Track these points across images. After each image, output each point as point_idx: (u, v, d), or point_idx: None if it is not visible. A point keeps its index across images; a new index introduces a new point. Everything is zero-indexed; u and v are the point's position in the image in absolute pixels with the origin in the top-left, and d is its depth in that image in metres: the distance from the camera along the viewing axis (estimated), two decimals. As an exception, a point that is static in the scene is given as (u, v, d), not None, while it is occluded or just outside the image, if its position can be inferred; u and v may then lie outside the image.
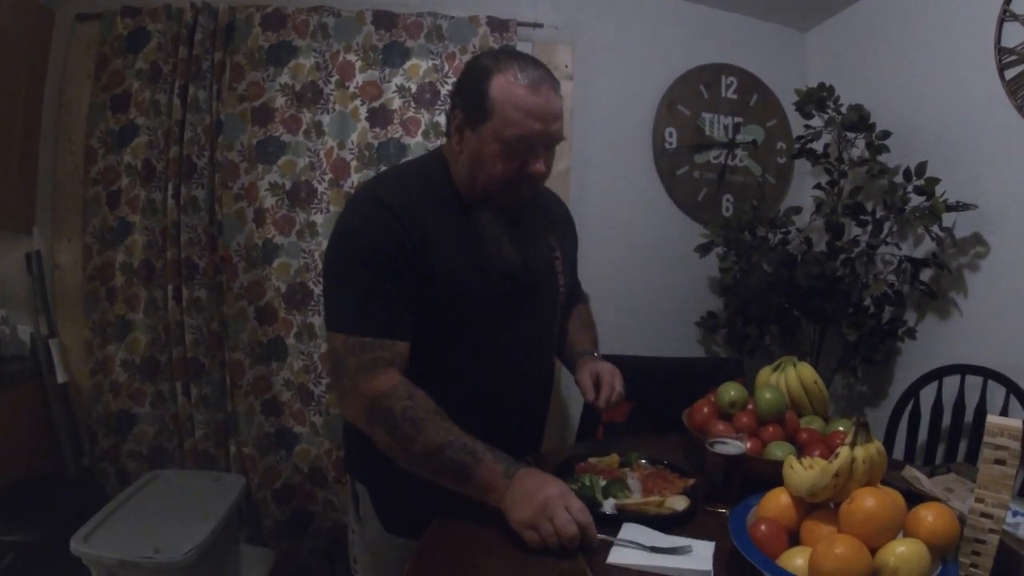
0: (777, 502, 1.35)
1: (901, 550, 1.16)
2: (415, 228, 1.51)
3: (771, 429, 1.72)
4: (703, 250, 2.93)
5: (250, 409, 2.93)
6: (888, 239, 2.72)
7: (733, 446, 1.53)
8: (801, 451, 1.67)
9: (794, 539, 1.31)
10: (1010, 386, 2.31)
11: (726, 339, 3.10)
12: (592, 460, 1.69)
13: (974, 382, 2.43)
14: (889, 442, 2.55)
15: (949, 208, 2.49)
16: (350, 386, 1.49)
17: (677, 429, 1.88)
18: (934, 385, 2.54)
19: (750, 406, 1.79)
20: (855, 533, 1.20)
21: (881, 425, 2.64)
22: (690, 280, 3.21)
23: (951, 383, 2.50)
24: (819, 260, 2.77)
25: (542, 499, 1.34)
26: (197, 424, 2.88)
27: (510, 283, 1.62)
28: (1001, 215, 2.49)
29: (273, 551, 2.81)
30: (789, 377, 1.88)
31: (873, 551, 1.17)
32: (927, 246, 2.72)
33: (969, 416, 2.45)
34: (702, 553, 1.36)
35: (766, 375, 1.92)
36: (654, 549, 1.34)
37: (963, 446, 2.49)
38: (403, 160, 2.78)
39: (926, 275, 2.68)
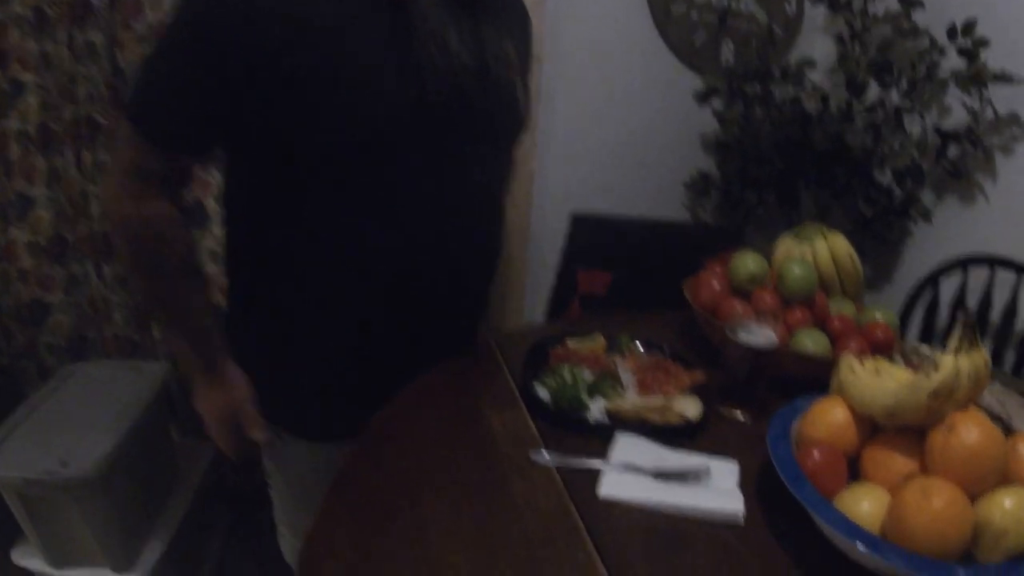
0: (830, 419, 0.99)
1: (1010, 505, 0.84)
2: (286, 5, 0.98)
3: (798, 313, 1.35)
4: (702, 97, 2.48)
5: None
6: (913, 107, 2.32)
7: (762, 335, 1.14)
8: (833, 342, 1.31)
9: (851, 469, 0.96)
10: None
11: (718, 205, 2.72)
12: (571, 343, 1.29)
13: (1006, 278, 2.09)
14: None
15: (995, 77, 2.10)
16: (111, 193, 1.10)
17: (668, 306, 1.54)
18: (955, 276, 2.21)
19: (771, 283, 1.41)
20: (950, 476, 0.85)
21: (889, 314, 2.30)
22: (680, 135, 2.77)
23: (978, 275, 2.16)
24: (838, 120, 2.36)
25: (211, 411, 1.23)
26: (115, 308, 2.51)
27: (454, 101, 1.08)
28: None
29: (211, 443, 2.43)
30: (819, 250, 1.49)
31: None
32: (954, 120, 2.34)
33: (996, 315, 2.12)
34: (724, 479, 1.00)
35: (788, 246, 1.53)
36: (659, 475, 0.97)
37: (987, 347, 2.18)
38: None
39: (952, 152, 2.30)
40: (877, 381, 0.97)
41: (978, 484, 0.85)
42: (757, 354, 1.14)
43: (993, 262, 2.12)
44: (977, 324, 0.90)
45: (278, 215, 1.11)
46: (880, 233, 2.42)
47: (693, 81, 2.63)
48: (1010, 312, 2.09)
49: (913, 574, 0.78)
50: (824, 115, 2.42)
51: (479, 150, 1.16)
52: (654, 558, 0.86)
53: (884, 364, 1.04)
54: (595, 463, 0.99)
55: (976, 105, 2.20)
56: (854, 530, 0.83)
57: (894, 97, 2.34)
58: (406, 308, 1.17)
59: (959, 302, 2.20)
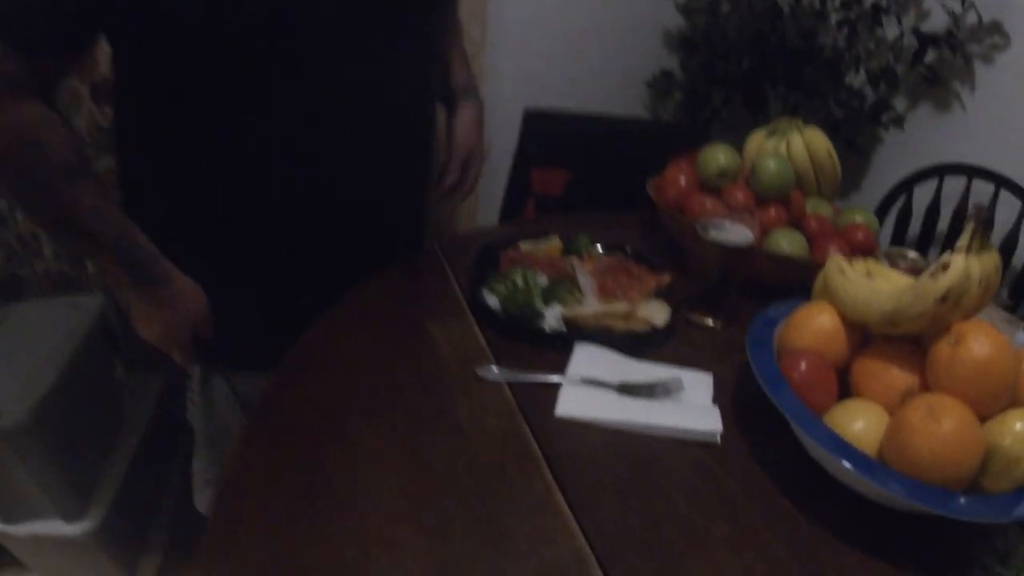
0: (817, 325, 0.87)
1: (1019, 427, 0.74)
2: None
3: (773, 211, 1.23)
4: (671, -11, 2.31)
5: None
6: (890, 7, 2.17)
7: (735, 233, 1.02)
8: (810, 244, 1.21)
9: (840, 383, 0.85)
10: None
11: (681, 104, 2.57)
12: (524, 246, 1.15)
13: (982, 189, 2.00)
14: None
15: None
16: None
17: (630, 207, 1.41)
18: (928, 186, 2.11)
19: (743, 179, 1.28)
20: (957, 393, 0.75)
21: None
22: (641, 29, 2.60)
23: (952, 186, 2.07)
24: (811, 16, 2.20)
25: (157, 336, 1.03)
26: (45, 243, 2.25)
27: None
28: None
29: (159, 375, 2.25)
30: (794, 145, 1.36)
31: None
32: (933, 23, 2.20)
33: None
34: (697, 393, 0.88)
35: (759, 140, 1.40)
36: (624, 389, 0.85)
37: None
38: None
39: (929, 57, 2.17)
40: (871, 285, 0.86)
41: (987, 404, 0.75)
42: (730, 254, 1.02)
43: (972, 172, 2.01)
44: (987, 223, 0.77)
45: (167, 114, 0.95)
46: (851, 138, 2.30)
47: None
48: (985, 224, 2.00)
49: (913, 503, 0.68)
50: (796, 10, 2.26)
51: (380, 27, 0.97)
52: (621, 486, 0.74)
53: (876, 266, 0.93)
54: (551, 378, 0.86)
55: (958, 8, 2.06)
56: (849, 452, 0.72)
57: (871, -6, 2.19)
58: (318, 214, 1.02)
59: (933, 211, 2.10)
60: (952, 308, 0.76)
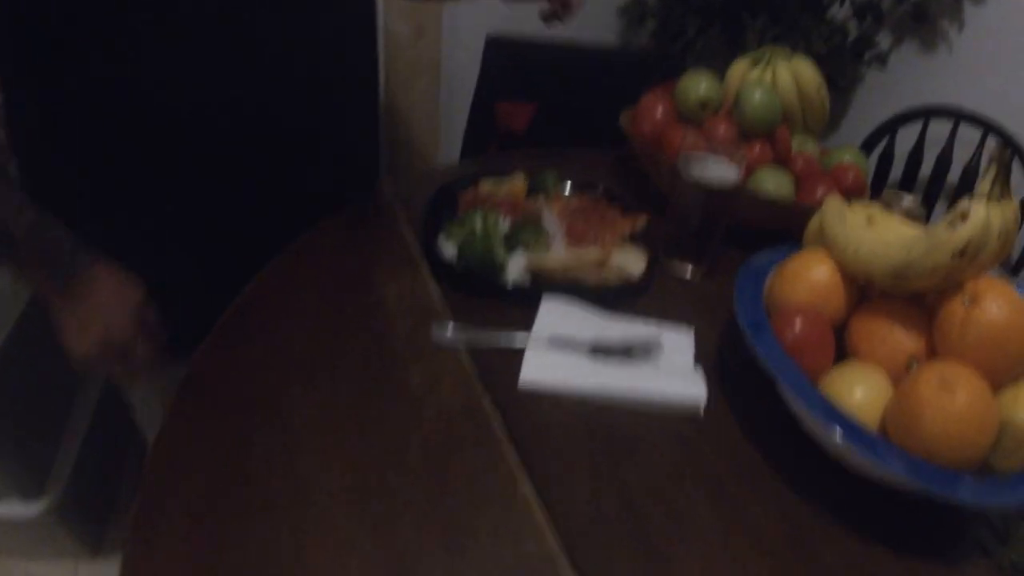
0: (814, 277, 0.77)
1: None
2: None
3: (758, 148, 1.13)
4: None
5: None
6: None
7: (720, 170, 0.91)
8: (796, 185, 1.11)
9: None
10: (1016, 148, 1.81)
11: (653, 33, 2.43)
12: (486, 185, 1.03)
13: (968, 135, 1.91)
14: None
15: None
16: None
17: (602, 142, 1.30)
18: (912, 128, 2.01)
19: (725, 111, 1.17)
20: (970, 360, 0.66)
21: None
22: (612, -50, 2.45)
23: (937, 130, 1.97)
24: (795, -60, 2.08)
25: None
26: None
27: None
28: None
29: None
30: (781, 76, 1.25)
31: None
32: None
33: (956, 174, 1.95)
34: (678, 353, 0.79)
35: (743, 69, 1.28)
36: (597, 351, 0.75)
37: (942, 207, 2.03)
38: None
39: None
40: (875, 233, 0.76)
41: (1002, 373, 0.67)
42: (714, 195, 0.91)
43: (959, 116, 1.91)
44: (1008, 168, 0.68)
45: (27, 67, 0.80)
46: (832, 76, 2.19)
47: None
48: (972, 172, 1.92)
49: (919, 485, 0.60)
50: (780, -68, 2.13)
51: None
52: (595, 466, 0.65)
53: (878, 212, 0.83)
54: (515, 338, 0.76)
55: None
56: (850, 427, 0.64)
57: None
58: (243, 162, 0.89)
59: (915, 155, 2.02)
60: (968, 263, 0.67)
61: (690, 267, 0.96)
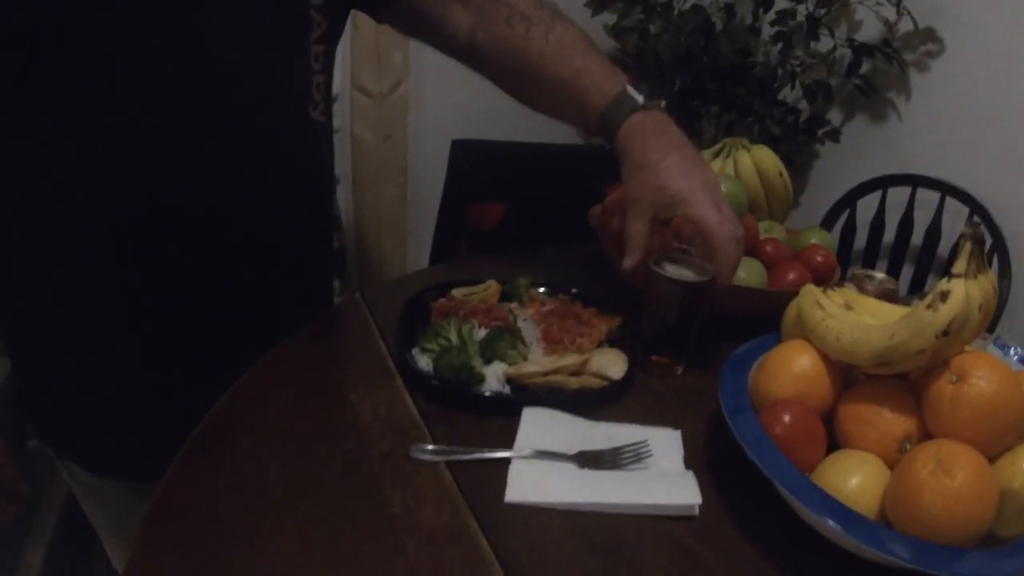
0: (797, 369, 0.76)
1: None
2: None
3: (727, 240, 1.12)
4: (598, 5, 2.20)
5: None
6: (823, 20, 2.14)
7: (692, 265, 0.91)
8: (768, 271, 1.11)
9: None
10: (973, 206, 1.87)
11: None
12: (458, 293, 1.02)
13: (927, 198, 1.96)
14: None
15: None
16: None
17: (573, 239, 1.30)
18: (872, 198, 2.07)
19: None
20: (963, 437, 0.65)
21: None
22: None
23: (896, 195, 2.02)
24: (745, 32, 2.15)
25: None
26: None
27: None
28: (962, 7, 1.96)
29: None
30: (743, 166, 1.27)
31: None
32: (866, 34, 2.19)
33: (919, 236, 1.99)
34: (666, 456, 0.76)
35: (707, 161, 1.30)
36: (583, 459, 0.73)
37: (908, 271, 2.06)
38: None
39: (864, 68, 2.15)
40: (856, 319, 0.76)
41: (995, 444, 0.66)
42: (688, 289, 0.91)
43: (915, 181, 1.97)
44: (982, 241, 0.68)
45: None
46: (789, 155, 2.25)
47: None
48: (934, 232, 1.96)
49: (922, 567, 0.58)
50: (729, 26, 2.20)
51: (236, 7, 0.79)
52: (589, 581, 0.62)
53: (854, 295, 0.83)
54: (497, 454, 0.73)
55: (892, 16, 2.04)
56: (848, 517, 0.62)
57: (804, 9, 2.14)
58: (180, 277, 0.86)
59: (877, 223, 2.05)
60: (954, 341, 0.67)
61: (672, 361, 0.95)
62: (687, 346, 0.94)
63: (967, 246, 0.68)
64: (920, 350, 0.66)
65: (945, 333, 0.65)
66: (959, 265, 0.67)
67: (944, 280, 0.68)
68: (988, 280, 0.69)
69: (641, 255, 0.91)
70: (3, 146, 0.76)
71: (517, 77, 1.01)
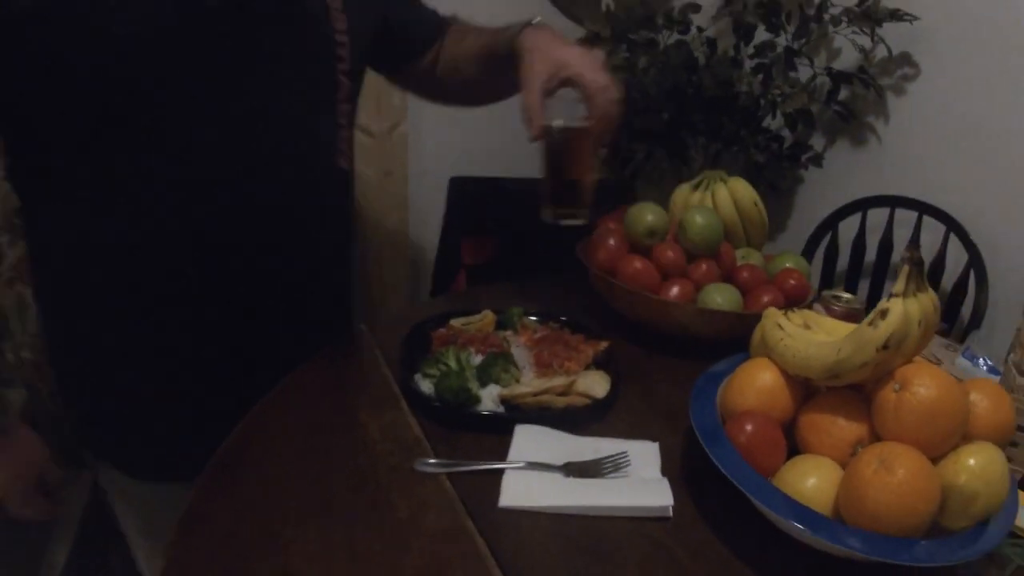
0: (759, 384, 0.85)
1: (973, 463, 0.73)
2: None
3: (704, 267, 1.22)
4: (585, 45, 2.31)
5: (20, 301, 2.10)
6: (802, 49, 2.23)
7: (573, 108, 1.03)
8: (744, 296, 1.19)
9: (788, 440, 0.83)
10: (950, 223, 1.95)
11: (604, 161, 2.58)
12: (456, 323, 1.12)
13: (905, 218, 2.04)
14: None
15: (890, 15, 2.03)
16: None
17: (562, 271, 1.38)
18: (853, 219, 2.15)
19: (672, 236, 1.27)
20: (907, 439, 0.74)
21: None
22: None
23: (876, 216, 2.11)
24: (728, 65, 2.25)
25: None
26: None
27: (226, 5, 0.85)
28: (936, 32, 2.05)
29: (89, 471, 2.09)
30: (720, 197, 1.36)
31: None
32: (844, 62, 2.28)
33: (899, 255, 2.07)
34: (645, 465, 0.85)
35: (685, 195, 1.40)
36: (570, 469, 0.81)
37: (888, 289, 2.11)
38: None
39: (843, 95, 2.24)
40: (810, 336, 0.84)
41: (939, 445, 0.74)
42: (573, 134, 1.04)
43: (893, 202, 2.05)
44: (920, 263, 0.77)
45: (47, 210, 0.91)
46: (773, 181, 2.34)
47: (574, 31, 2.45)
48: (919, 265, 2.03)
49: (873, 557, 0.66)
50: (712, 60, 2.30)
51: (274, 77, 0.93)
52: (573, 573, 0.70)
53: (812, 316, 0.92)
54: (493, 466, 0.82)
55: (868, 44, 2.13)
56: (803, 513, 0.70)
57: (783, 40, 2.24)
58: (216, 303, 0.98)
59: (859, 244, 2.14)
60: (894, 354, 0.75)
61: (572, 211, 1.07)
62: (584, 194, 1.06)
63: (906, 268, 0.76)
64: (864, 363, 0.75)
65: (885, 347, 0.74)
66: (898, 285, 0.76)
67: (885, 299, 0.76)
68: (928, 298, 0.77)
69: (541, 122, 1.03)
70: (83, 185, 0.88)
71: (456, 75, 1.26)
